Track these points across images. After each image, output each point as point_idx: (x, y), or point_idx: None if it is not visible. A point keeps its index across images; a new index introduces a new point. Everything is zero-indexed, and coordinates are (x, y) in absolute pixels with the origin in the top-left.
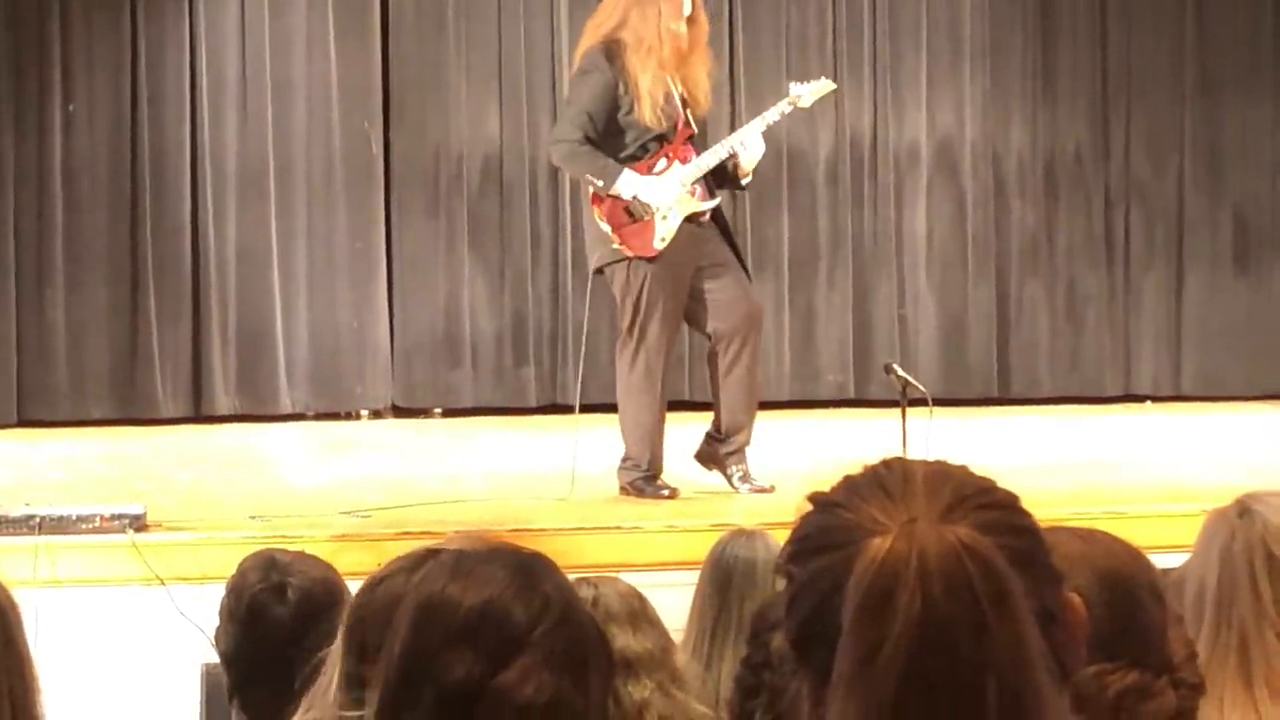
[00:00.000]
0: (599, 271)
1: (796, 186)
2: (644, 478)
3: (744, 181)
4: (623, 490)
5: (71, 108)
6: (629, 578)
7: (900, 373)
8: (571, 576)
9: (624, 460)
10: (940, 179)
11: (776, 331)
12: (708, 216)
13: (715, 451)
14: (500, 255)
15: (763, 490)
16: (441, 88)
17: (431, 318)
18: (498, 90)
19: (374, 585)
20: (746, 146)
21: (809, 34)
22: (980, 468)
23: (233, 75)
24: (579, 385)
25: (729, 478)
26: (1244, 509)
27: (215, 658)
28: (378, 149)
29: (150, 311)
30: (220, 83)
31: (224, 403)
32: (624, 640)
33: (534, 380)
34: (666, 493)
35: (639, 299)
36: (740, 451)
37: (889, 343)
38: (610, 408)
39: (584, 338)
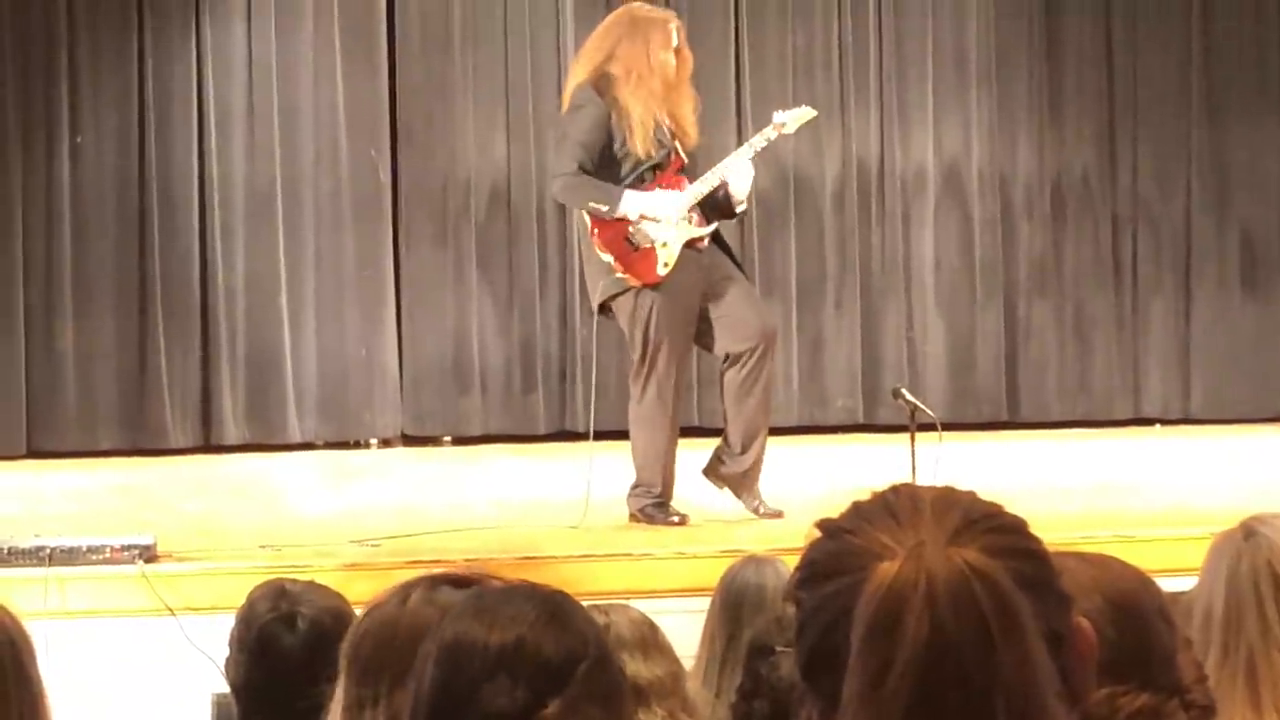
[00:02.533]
0: (604, 309)
1: (803, 211)
2: (654, 504)
3: (739, 210)
4: (633, 517)
5: (79, 138)
6: (639, 605)
7: (908, 397)
8: (583, 604)
9: (634, 487)
10: (947, 202)
11: (785, 356)
12: (706, 242)
13: (725, 468)
14: (508, 282)
15: (773, 515)
16: (449, 114)
17: (440, 345)
18: (505, 116)
19: (370, 612)
20: (734, 175)
21: (815, 59)
22: (989, 492)
23: (240, 103)
24: (591, 413)
25: (742, 499)
26: (1249, 532)
27: (225, 687)
28: (385, 176)
29: (159, 341)
30: (227, 111)
31: (233, 432)
32: (635, 668)
33: (543, 407)
34: (677, 519)
35: (647, 328)
36: (753, 474)
37: (897, 367)
38: (621, 434)
39: (594, 375)
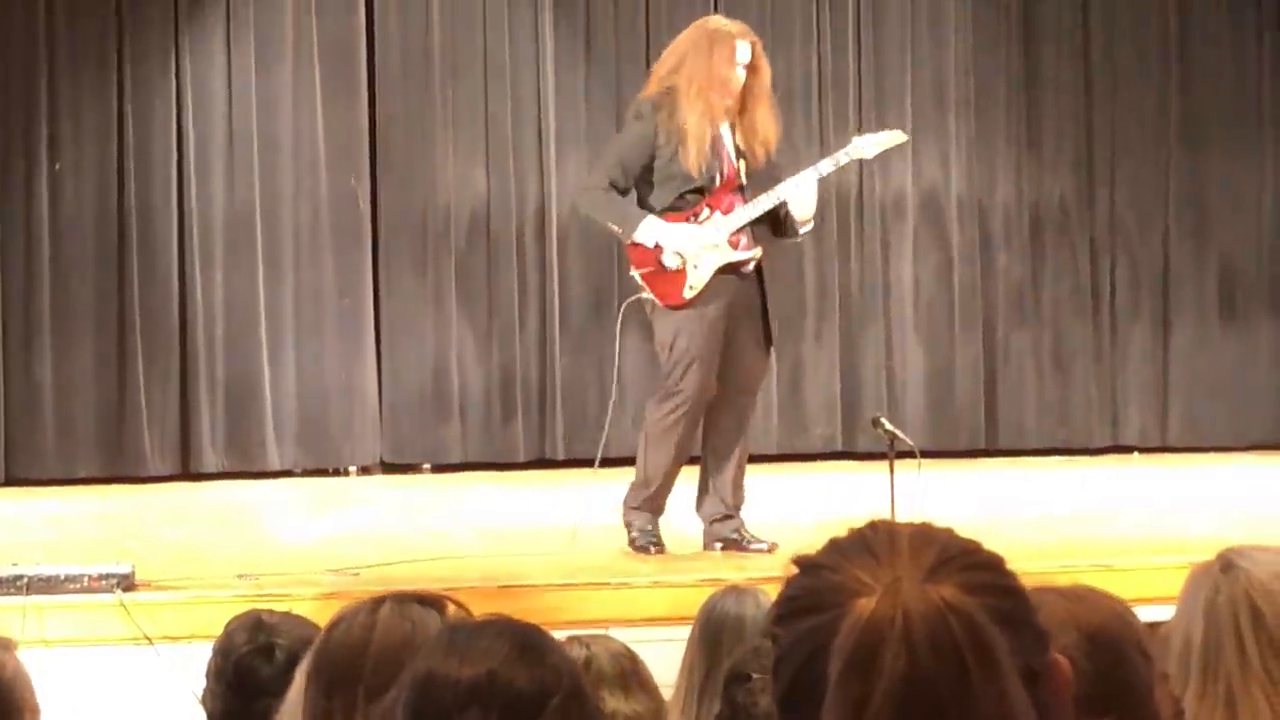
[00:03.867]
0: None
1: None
2: (640, 526)
3: (802, 230)
4: (628, 532)
5: (58, 166)
6: (619, 633)
7: (888, 426)
8: (563, 634)
9: (632, 488)
10: (926, 231)
11: (764, 384)
12: (750, 267)
13: (722, 529)
14: (488, 310)
15: (764, 548)
16: (428, 143)
17: (419, 373)
18: (484, 146)
19: (336, 625)
20: (796, 196)
21: (795, 88)
22: (968, 520)
23: (219, 133)
24: (604, 439)
25: (743, 542)
26: (1227, 564)
27: (203, 718)
28: (365, 205)
29: (138, 369)
30: (207, 140)
31: (212, 460)
32: (615, 704)
33: (522, 435)
34: (654, 549)
35: (672, 347)
36: (739, 517)
37: (876, 395)
38: (601, 462)
39: (614, 385)
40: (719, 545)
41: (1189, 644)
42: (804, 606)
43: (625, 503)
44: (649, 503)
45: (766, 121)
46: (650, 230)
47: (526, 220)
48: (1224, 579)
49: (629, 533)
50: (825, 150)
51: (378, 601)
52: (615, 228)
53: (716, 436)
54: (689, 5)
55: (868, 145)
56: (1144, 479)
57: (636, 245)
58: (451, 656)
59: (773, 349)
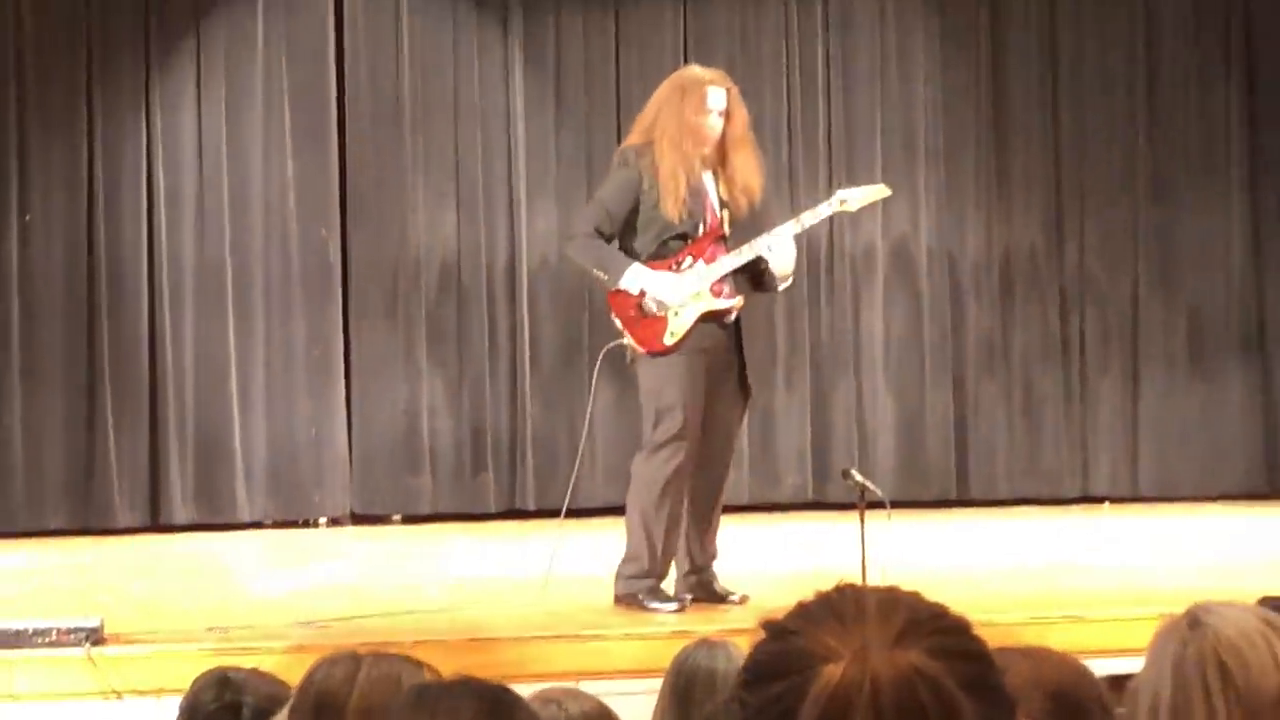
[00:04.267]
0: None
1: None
2: (647, 590)
3: (781, 286)
4: (619, 600)
5: (28, 217)
6: (589, 686)
7: (857, 477)
8: (535, 688)
9: (626, 564)
10: (896, 281)
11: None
12: (732, 317)
13: (696, 580)
14: (458, 361)
15: (738, 600)
16: (399, 192)
17: (390, 424)
18: (455, 195)
19: (314, 675)
20: (774, 250)
21: (764, 138)
22: (938, 575)
23: (190, 182)
24: (571, 484)
25: (719, 596)
26: (1194, 620)
27: None
28: (335, 255)
29: (107, 421)
30: (177, 190)
31: (181, 512)
32: None
33: (493, 486)
34: (676, 605)
35: (660, 395)
36: (711, 569)
37: (847, 445)
38: (570, 513)
39: (584, 432)
40: (689, 597)
41: (1157, 700)
42: (772, 671)
43: (619, 574)
44: (649, 572)
45: (746, 168)
46: (634, 277)
47: (497, 270)
48: (1191, 635)
49: (641, 604)
50: (795, 200)
51: (358, 654)
52: (600, 274)
53: (697, 488)
54: (658, 56)
55: (851, 198)
56: (1114, 529)
57: (619, 292)
58: (420, 716)
59: (748, 401)
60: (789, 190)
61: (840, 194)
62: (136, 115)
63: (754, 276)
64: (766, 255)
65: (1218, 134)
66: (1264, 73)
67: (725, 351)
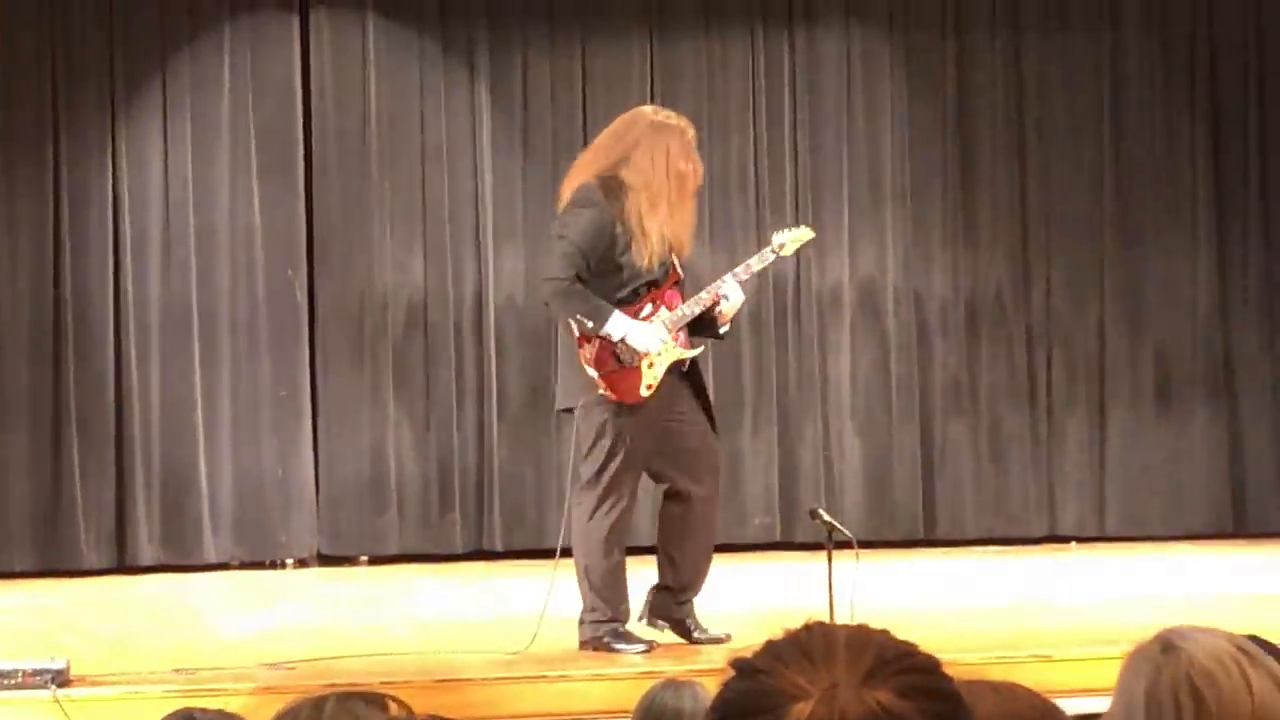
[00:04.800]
0: (568, 410)
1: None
2: (611, 631)
3: (722, 330)
4: (584, 645)
5: None
6: None
7: (825, 517)
8: None
9: (588, 612)
10: (863, 321)
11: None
12: (687, 365)
13: (667, 606)
14: (425, 402)
15: (718, 641)
16: (365, 233)
17: (357, 464)
18: (422, 237)
19: None
20: (729, 296)
21: (731, 180)
22: (905, 614)
23: (156, 223)
24: (562, 529)
25: (687, 631)
26: (1167, 645)
27: None
28: (302, 296)
29: (73, 461)
30: (143, 231)
31: (148, 552)
32: None
33: (460, 527)
34: (643, 647)
35: (614, 445)
36: (691, 603)
37: (815, 485)
38: (538, 554)
39: (569, 479)
40: (663, 624)
41: None
42: (741, 709)
43: (582, 621)
44: (613, 619)
45: (688, 220)
46: (619, 325)
47: (464, 311)
48: (1165, 660)
49: (605, 653)
50: (762, 235)
51: (321, 700)
52: (586, 321)
53: (689, 523)
54: (625, 96)
55: (788, 241)
56: (1081, 569)
57: (595, 342)
58: None
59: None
60: (756, 233)
61: (776, 239)
62: (102, 155)
63: (698, 324)
64: (725, 299)
65: (1183, 175)
66: (1230, 112)
67: (686, 393)
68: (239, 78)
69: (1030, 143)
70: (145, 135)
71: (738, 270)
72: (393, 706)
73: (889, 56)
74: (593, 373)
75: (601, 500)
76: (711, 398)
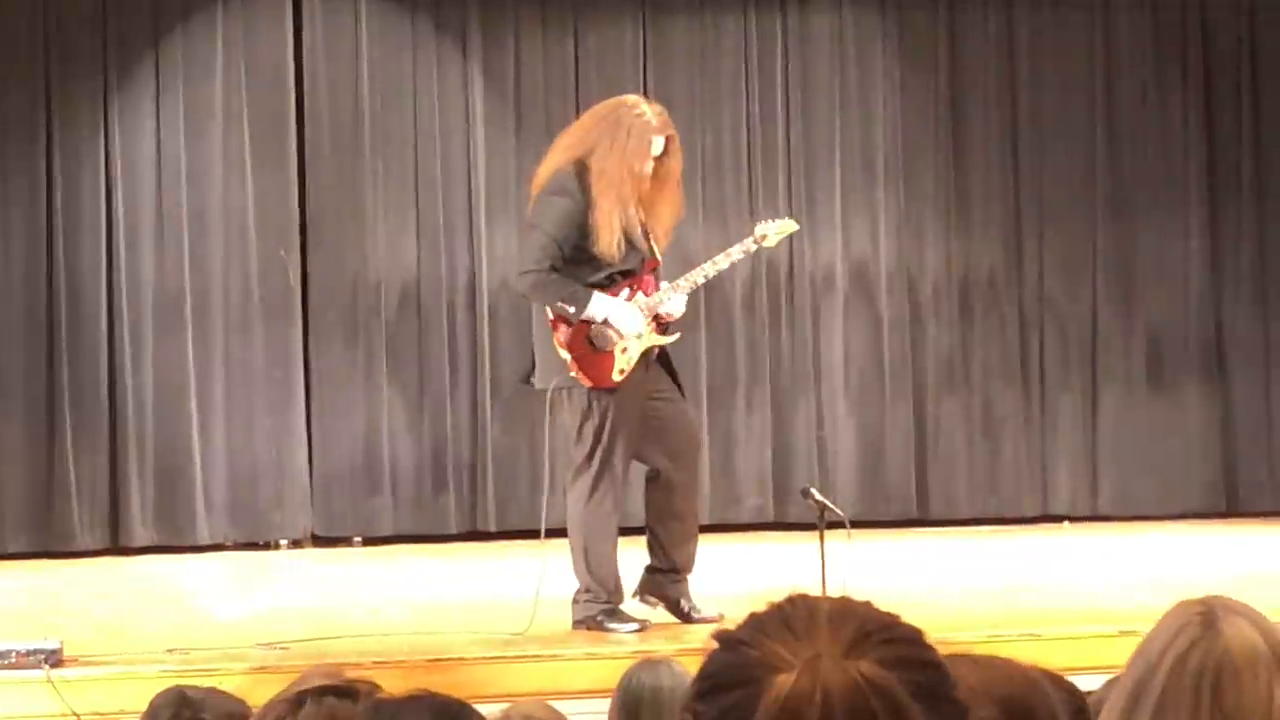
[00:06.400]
0: (546, 390)
1: (714, 311)
2: (605, 611)
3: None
4: (578, 624)
5: None
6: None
7: (817, 496)
8: (496, 708)
9: (582, 592)
10: (856, 302)
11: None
12: (656, 352)
13: (661, 585)
14: (418, 382)
15: (710, 620)
16: (359, 215)
17: (350, 446)
18: (415, 217)
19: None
20: (710, 279)
21: (724, 160)
22: (897, 594)
23: (149, 206)
24: (544, 510)
25: (681, 610)
26: (1210, 620)
27: None
28: (295, 278)
29: (67, 443)
30: (136, 213)
31: (141, 534)
32: None
33: (453, 507)
34: (636, 626)
35: (601, 427)
36: (685, 582)
37: (808, 465)
38: (531, 534)
39: (547, 460)
40: (656, 601)
41: (1143, 687)
42: (724, 682)
43: (576, 600)
44: (607, 600)
45: (674, 208)
46: (600, 306)
47: (457, 292)
48: (1203, 636)
49: (599, 632)
50: (755, 214)
51: (298, 701)
52: (567, 306)
53: (672, 503)
54: (618, 75)
55: (770, 232)
56: (1074, 548)
57: (574, 327)
58: None
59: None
60: (749, 214)
61: (759, 229)
62: (95, 136)
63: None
64: (698, 285)
65: (1176, 153)
66: (1222, 92)
67: (656, 372)
68: (232, 59)
69: (1023, 122)
70: (138, 117)
71: (718, 258)
72: (361, 690)
73: (881, 36)
74: (565, 355)
75: (596, 482)
76: (704, 379)
